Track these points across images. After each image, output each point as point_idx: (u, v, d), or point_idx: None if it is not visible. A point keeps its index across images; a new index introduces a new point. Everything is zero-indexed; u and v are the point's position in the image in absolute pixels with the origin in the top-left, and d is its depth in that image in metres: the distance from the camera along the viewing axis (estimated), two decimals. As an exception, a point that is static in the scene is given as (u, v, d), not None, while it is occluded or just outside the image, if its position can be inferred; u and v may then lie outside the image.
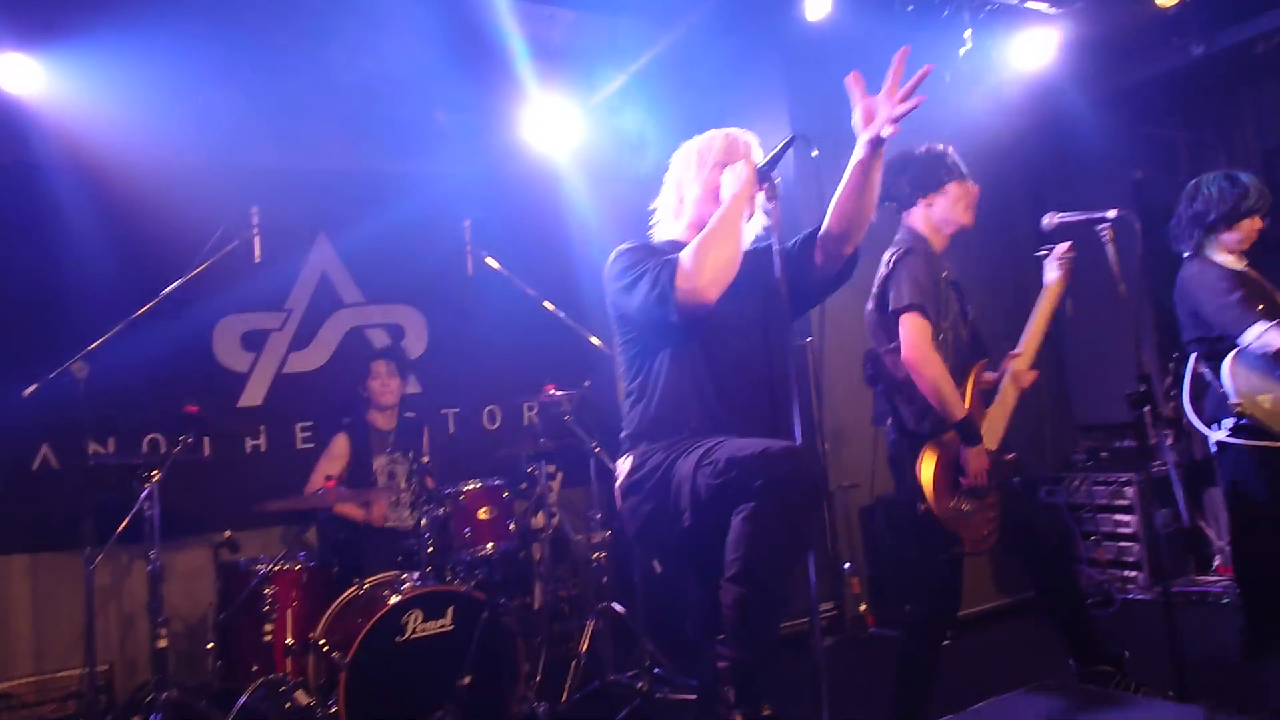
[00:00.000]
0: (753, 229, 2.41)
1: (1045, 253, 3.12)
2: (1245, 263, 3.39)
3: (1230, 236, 3.32)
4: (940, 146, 3.04)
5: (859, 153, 2.15)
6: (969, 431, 2.79)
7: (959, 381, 2.89)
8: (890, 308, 2.85)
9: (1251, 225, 3.31)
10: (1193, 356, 3.44)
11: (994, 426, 2.94)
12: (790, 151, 2.29)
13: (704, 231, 2.24)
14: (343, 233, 4.80)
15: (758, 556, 2.01)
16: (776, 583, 2.06)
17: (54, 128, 4.08)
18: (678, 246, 2.35)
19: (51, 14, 3.84)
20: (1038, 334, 3.05)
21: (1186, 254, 3.41)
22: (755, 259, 2.39)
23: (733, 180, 2.30)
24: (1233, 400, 3.18)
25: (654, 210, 2.58)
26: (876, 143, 2.11)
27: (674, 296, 2.18)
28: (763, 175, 2.30)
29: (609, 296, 2.41)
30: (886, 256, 2.97)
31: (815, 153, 2.29)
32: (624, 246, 2.43)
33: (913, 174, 3.00)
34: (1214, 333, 3.29)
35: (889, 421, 3.01)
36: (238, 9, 4.01)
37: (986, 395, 2.98)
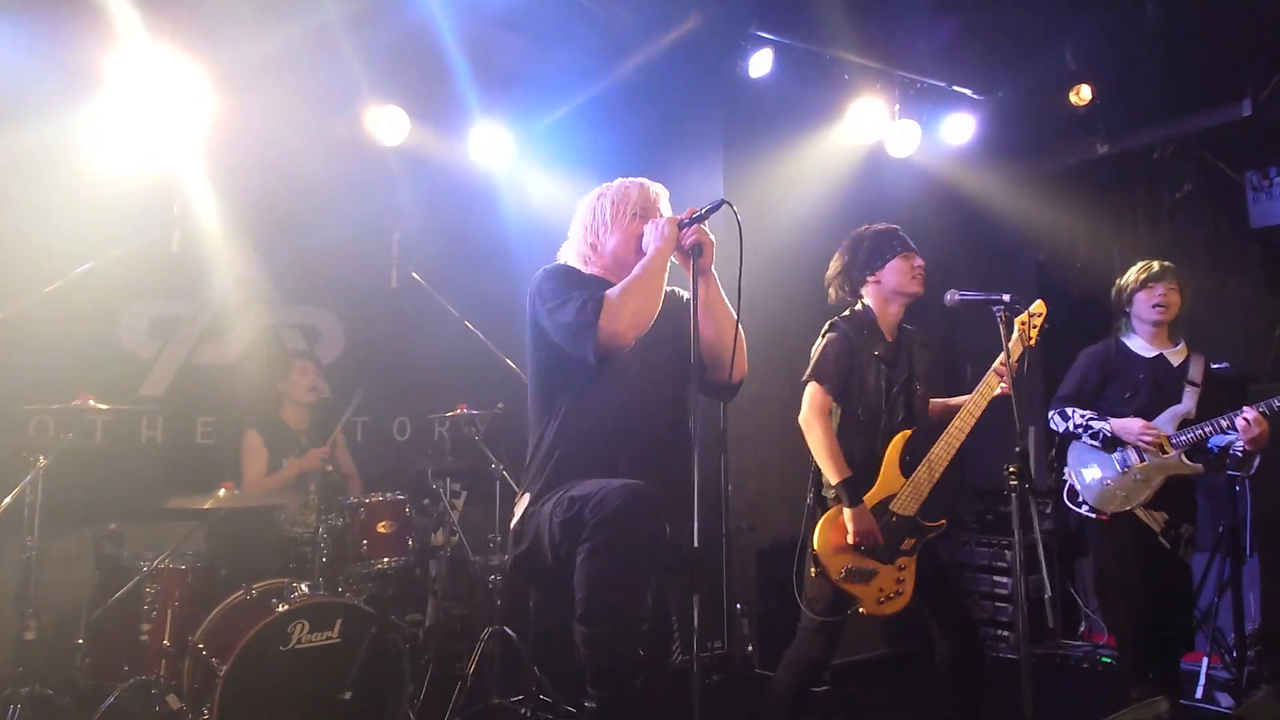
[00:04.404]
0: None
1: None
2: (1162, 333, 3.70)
3: (1138, 309, 3.69)
4: (883, 226, 3.23)
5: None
6: (848, 493, 2.96)
7: (880, 449, 3.07)
8: (803, 377, 3.13)
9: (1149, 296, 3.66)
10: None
11: (916, 492, 3.06)
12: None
13: (628, 279, 2.29)
14: (267, 232, 4.70)
15: (598, 595, 2.08)
16: (621, 619, 2.11)
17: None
18: (601, 281, 2.41)
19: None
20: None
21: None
22: (673, 309, 2.46)
23: (656, 235, 2.36)
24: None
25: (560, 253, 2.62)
26: (692, 251, 2.33)
27: (594, 334, 2.21)
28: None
29: (531, 312, 2.42)
30: (823, 329, 3.17)
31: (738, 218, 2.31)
32: (554, 265, 2.47)
33: (860, 253, 3.20)
34: None
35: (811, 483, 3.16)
36: None
37: (910, 464, 3.10)
